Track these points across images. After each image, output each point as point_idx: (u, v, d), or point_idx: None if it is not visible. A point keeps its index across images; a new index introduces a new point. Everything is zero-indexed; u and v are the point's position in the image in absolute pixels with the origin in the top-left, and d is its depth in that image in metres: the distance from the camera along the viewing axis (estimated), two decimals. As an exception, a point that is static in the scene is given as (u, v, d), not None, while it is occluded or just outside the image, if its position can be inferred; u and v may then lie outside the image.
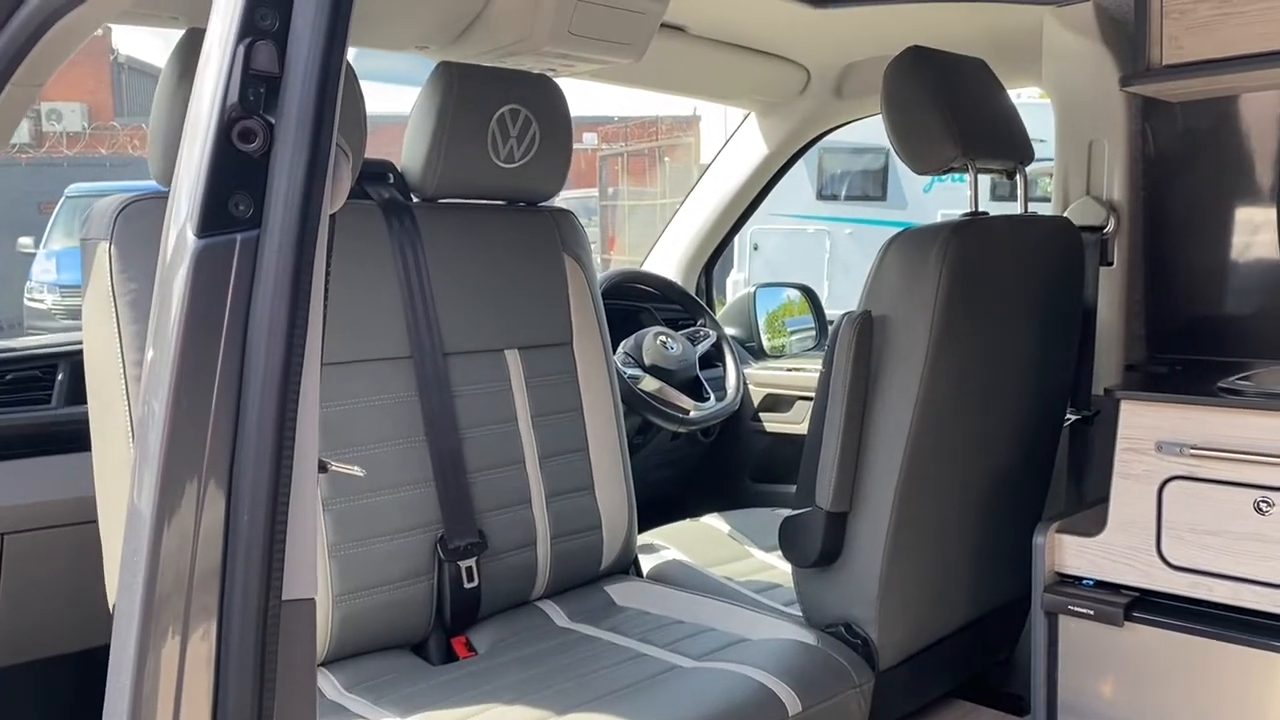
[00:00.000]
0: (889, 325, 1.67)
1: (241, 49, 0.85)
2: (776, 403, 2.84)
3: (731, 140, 2.98)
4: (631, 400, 2.36)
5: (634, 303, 2.80)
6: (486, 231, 1.93)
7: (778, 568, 2.16)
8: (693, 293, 2.94)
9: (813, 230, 10.29)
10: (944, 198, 9.57)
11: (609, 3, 1.89)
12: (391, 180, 1.87)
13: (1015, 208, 2.05)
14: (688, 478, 2.88)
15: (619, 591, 1.97)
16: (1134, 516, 1.65)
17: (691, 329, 2.76)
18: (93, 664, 1.81)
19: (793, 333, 3.11)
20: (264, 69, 0.86)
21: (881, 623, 1.71)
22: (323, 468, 0.97)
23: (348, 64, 0.99)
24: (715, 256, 3.08)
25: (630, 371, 2.46)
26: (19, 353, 1.95)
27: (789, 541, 1.77)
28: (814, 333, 3.14)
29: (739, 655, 1.66)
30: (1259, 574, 1.54)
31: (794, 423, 2.79)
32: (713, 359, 2.74)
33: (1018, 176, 1.96)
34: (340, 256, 1.34)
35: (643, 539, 2.21)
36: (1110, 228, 2.08)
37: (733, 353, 2.76)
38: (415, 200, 1.88)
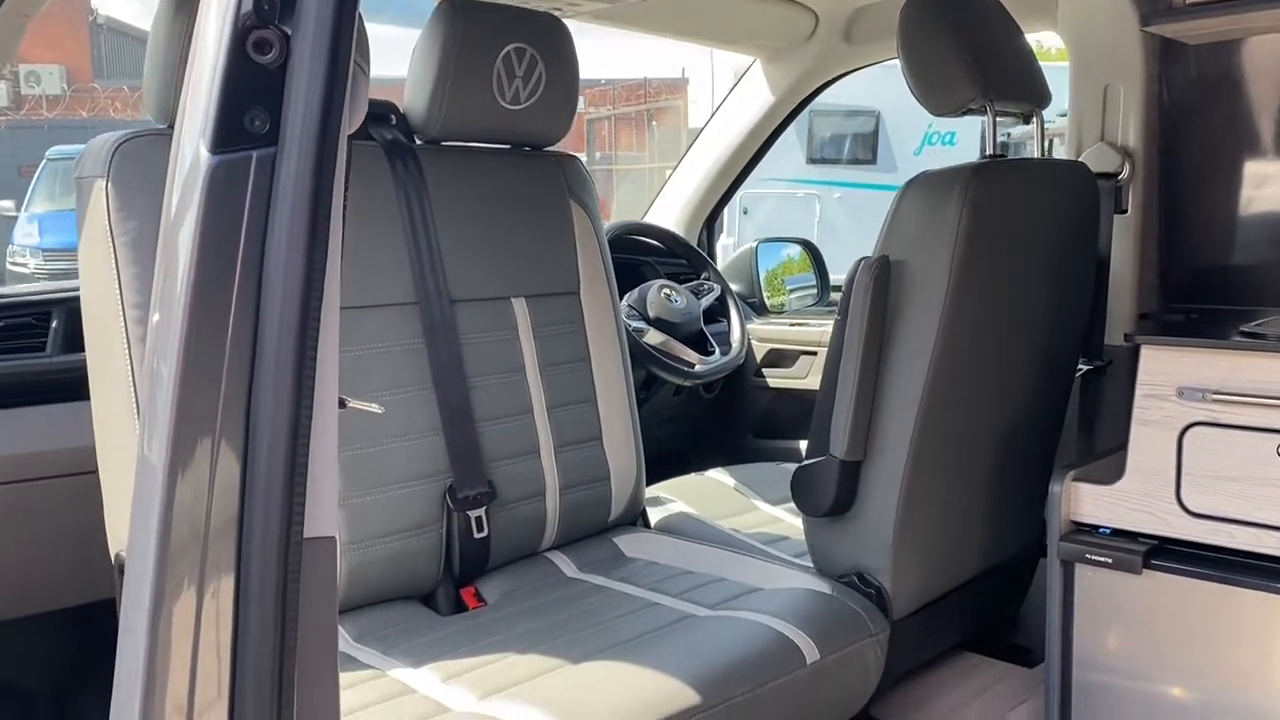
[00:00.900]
0: (906, 270, 1.64)
1: None
2: (780, 358, 2.81)
3: (734, 91, 2.92)
4: (636, 353, 2.32)
5: (637, 256, 2.75)
6: (491, 175, 1.88)
7: (785, 520, 2.14)
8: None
9: (802, 194, 10.24)
10: (934, 161, 9.47)
11: (617, -64, 1.84)
12: (394, 122, 1.81)
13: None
14: (690, 433, 2.85)
15: (627, 542, 1.95)
16: (1153, 463, 1.62)
17: (695, 283, 2.72)
18: (93, 618, 1.78)
19: (792, 290, 3.08)
20: (280, -25, 0.82)
21: (895, 572, 1.69)
22: (341, 404, 0.93)
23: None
24: (717, 211, 3.03)
25: (634, 324, 2.42)
26: (11, 299, 1.89)
27: (801, 491, 1.75)
28: (815, 290, 3.11)
29: (754, 604, 1.64)
30: (1281, 519, 1.53)
31: (797, 378, 2.76)
32: (716, 313, 2.70)
33: (1033, 121, 1.93)
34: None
35: (649, 492, 2.18)
36: (1125, 174, 2.05)
37: (737, 307, 2.72)
38: (418, 142, 1.83)
